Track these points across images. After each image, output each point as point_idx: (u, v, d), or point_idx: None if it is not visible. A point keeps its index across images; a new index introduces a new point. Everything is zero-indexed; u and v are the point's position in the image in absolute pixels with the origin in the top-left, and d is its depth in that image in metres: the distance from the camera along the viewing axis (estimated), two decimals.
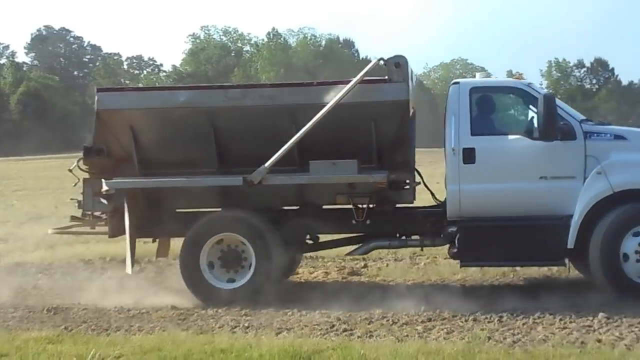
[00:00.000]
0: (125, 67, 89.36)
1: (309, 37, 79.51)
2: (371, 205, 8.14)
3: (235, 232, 8.15)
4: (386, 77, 7.87)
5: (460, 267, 8.39)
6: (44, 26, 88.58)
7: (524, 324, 6.70)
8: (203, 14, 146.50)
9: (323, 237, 8.79)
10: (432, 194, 8.70)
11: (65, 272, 10.52)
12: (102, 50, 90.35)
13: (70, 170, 8.68)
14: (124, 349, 6.06)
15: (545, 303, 7.41)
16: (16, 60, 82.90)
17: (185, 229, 8.20)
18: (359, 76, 7.83)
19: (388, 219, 8.33)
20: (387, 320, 6.99)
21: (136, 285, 8.82)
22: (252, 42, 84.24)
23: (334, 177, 7.84)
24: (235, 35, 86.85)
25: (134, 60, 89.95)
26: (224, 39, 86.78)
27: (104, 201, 8.37)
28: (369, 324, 6.93)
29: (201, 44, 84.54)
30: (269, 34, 79.27)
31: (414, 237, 8.38)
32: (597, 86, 74.47)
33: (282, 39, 78.69)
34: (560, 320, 6.76)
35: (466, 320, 6.92)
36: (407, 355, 5.60)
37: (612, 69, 74.98)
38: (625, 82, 73.96)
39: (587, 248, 7.47)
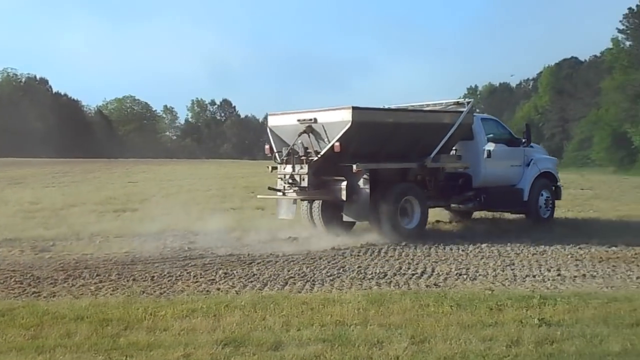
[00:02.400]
0: None
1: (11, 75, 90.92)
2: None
3: (412, 195, 13.56)
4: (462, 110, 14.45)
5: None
6: None
7: (168, 281, 9.34)
8: None
9: None
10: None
11: None
12: None
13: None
14: None
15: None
16: None
17: (388, 193, 13.25)
18: (466, 110, 14.38)
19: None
20: (68, 284, 9.04)
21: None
22: None
23: (454, 164, 14.63)
24: None
25: None
26: None
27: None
28: (53, 287, 8.90)
29: None
30: None
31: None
32: (224, 118, 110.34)
33: None
34: (194, 277, 9.57)
35: (127, 280, 9.31)
36: (80, 307, 7.71)
37: (234, 106, 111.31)
38: (243, 115, 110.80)
39: (530, 201, 15.19)
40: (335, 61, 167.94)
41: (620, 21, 62.51)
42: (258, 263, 10.76)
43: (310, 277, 9.62)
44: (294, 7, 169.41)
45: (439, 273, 9.96)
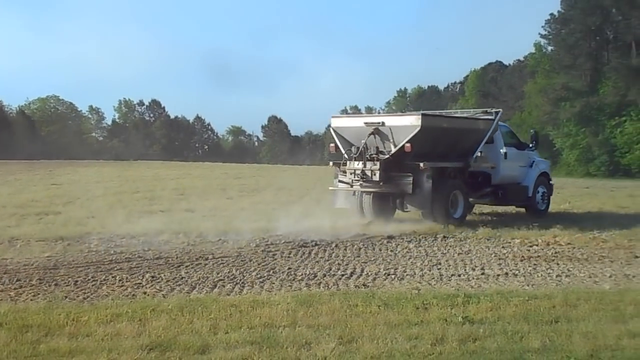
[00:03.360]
0: None
1: None
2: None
3: (458, 189, 16.02)
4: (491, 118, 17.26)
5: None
6: None
7: (92, 285, 9.09)
8: None
9: None
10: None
11: None
12: None
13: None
14: None
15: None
16: None
17: (445, 187, 15.62)
18: (497, 118, 17.19)
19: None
20: None
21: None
22: None
23: (485, 164, 16.83)
24: None
25: None
26: None
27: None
28: None
29: None
30: None
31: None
32: (153, 118, 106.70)
33: None
34: (120, 281, 9.34)
35: (49, 285, 9.00)
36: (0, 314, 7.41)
37: (164, 106, 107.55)
38: (173, 116, 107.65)
39: (532, 196, 18.00)
40: (263, 62, 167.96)
41: (543, 26, 64.69)
42: (187, 266, 10.60)
43: (240, 280, 9.56)
44: (222, 8, 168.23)
45: (368, 273, 10.08)
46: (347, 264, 10.87)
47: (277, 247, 12.46)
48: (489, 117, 17.33)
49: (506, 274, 10.10)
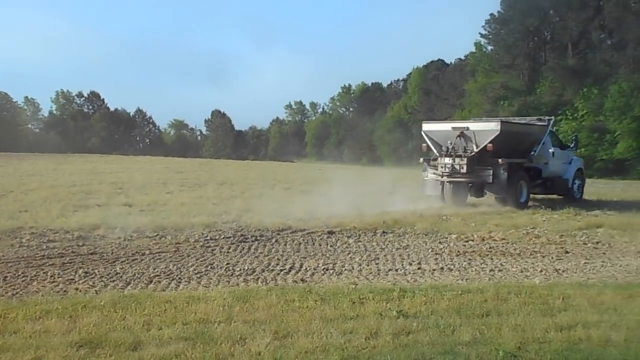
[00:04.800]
0: None
1: None
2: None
3: (523, 180, 19.94)
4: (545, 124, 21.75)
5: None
6: None
7: (22, 281, 8.81)
8: None
9: None
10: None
11: None
12: None
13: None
14: None
15: None
16: None
17: (515, 178, 19.58)
18: (550, 125, 21.96)
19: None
20: None
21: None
22: None
23: (541, 160, 20.94)
24: None
25: None
26: None
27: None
28: None
29: None
30: None
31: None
32: (92, 110, 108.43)
33: None
34: (51, 277, 9.09)
35: None
36: None
37: (103, 98, 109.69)
38: (112, 108, 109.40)
39: (571, 187, 21.98)
40: (207, 55, 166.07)
41: (483, 26, 66.12)
42: (122, 261, 10.40)
43: (177, 275, 9.44)
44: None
45: (306, 268, 10.09)
46: (286, 259, 10.87)
47: (217, 243, 12.36)
48: (543, 123, 21.73)
49: (442, 268, 10.29)
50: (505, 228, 14.80)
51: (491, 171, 19.01)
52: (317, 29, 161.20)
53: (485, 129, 19.50)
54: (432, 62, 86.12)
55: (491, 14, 65.00)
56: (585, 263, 10.95)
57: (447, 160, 19.54)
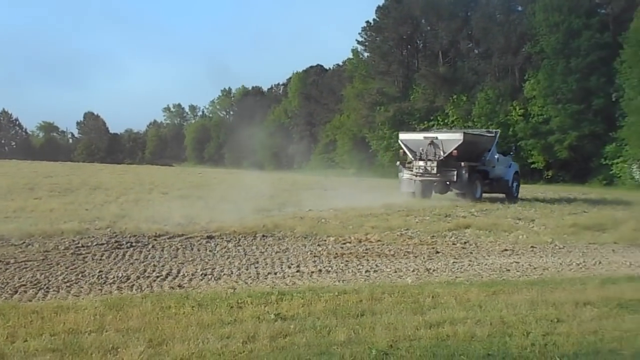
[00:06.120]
0: None
1: None
2: None
3: (477, 180, 24.79)
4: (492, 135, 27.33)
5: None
6: None
7: None
8: None
9: None
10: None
11: None
12: None
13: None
14: None
15: None
16: None
17: (473, 178, 24.50)
18: (497, 135, 28.03)
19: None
20: None
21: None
22: None
23: (490, 164, 25.81)
24: None
25: None
26: None
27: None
28: None
29: None
30: None
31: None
32: None
33: None
34: None
35: None
36: None
37: None
38: None
39: (510, 187, 26.80)
40: (77, 55, 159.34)
41: (359, 33, 67.88)
42: None
43: (45, 284, 8.98)
44: None
45: (184, 274, 9.92)
46: (163, 265, 10.63)
47: (89, 250, 11.89)
48: (491, 134, 26.96)
49: (320, 270, 10.45)
50: (381, 230, 15.26)
51: (455, 172, 23.67)
52: (194, 31, 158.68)
53: (451, 139, 24.17)
54: (311, 67, 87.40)
55: (367, 22, 66.89)
56: (454, 262, 11.52)
57: (421, 163, 24.23)
